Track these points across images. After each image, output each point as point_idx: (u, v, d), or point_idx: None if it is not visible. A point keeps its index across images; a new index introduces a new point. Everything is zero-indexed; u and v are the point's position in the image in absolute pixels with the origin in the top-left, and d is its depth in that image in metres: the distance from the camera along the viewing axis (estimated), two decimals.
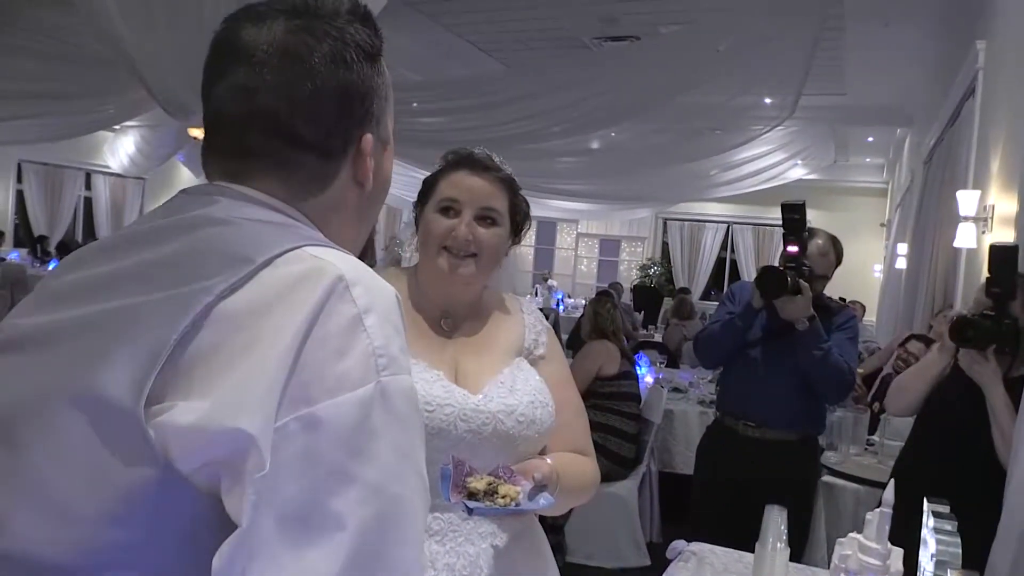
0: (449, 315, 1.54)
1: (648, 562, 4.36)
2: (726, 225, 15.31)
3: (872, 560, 1.30)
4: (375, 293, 0.79)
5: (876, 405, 4.20)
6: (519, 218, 1.57)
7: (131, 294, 0.78)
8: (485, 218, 1.50)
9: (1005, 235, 3.33)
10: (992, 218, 3.70)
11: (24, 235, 12.85)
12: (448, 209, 1.49)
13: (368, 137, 0.91)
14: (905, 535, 1.53)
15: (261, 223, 0.84)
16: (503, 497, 1.28)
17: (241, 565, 0.69)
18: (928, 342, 4.70)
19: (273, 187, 0.89)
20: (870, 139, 11.71)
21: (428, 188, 1.54)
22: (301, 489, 0.71)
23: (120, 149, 12.43)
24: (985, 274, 2.35)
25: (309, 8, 0.89)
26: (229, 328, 0.75)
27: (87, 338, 0.77)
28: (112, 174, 13.22)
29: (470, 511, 1.27)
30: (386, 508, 0.74)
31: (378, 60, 0.93)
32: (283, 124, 0.87)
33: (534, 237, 16.41)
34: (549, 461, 1.42)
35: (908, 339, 4.75)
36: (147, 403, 0.72)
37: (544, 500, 1.34)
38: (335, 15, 0.89)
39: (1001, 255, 2.29)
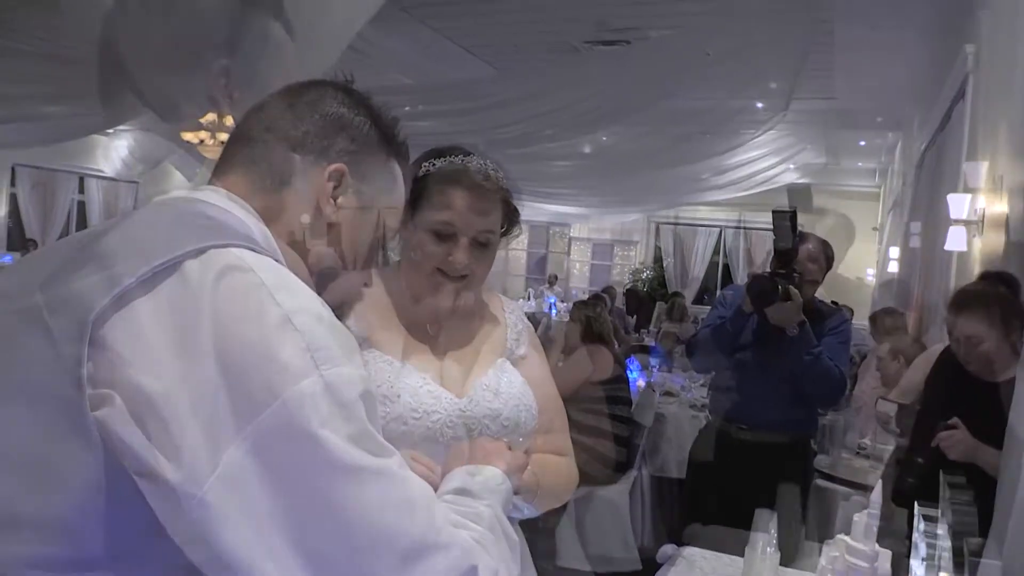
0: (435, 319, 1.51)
1: (639, 566, 4.35)
2: (718, 229, 15.32)
3: (859, 562, 1.29)
4: (301, 297, 0.80)
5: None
6: (509, 222, 1.51)
7: (62, 284, 0.79)
8: (482, 241, 1.44)
9: (996, 238, 3.34)
10: (983, 221, 3.71)
11: (17, 239, 12.79)
12: (443, 233, 1.42)
13: (343, 168, 0.95)
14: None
15: (188, 226, 0.84)
16: None
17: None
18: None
19: (237, 180, 0.94)
20: (862, 143, 11.72)
21: (419, 194, 1.41)
22: (290, 496, 0.72)
23: (113, 152, 12.42)
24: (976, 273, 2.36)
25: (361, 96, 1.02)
26: (148, 322, 0.75)
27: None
28: (105, 177, 13.18)
29: None
30: (374, 483, 0.76)
31: (389, 152, 1.02)
32: (274, 118, 0.96)
33: (526, 241, 16.41)
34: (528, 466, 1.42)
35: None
36: (91, 385, 0.73)
37: (528, 510, 1.37)
38: (369, 97, 1.02)
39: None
